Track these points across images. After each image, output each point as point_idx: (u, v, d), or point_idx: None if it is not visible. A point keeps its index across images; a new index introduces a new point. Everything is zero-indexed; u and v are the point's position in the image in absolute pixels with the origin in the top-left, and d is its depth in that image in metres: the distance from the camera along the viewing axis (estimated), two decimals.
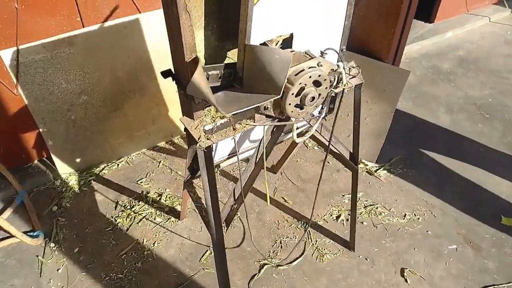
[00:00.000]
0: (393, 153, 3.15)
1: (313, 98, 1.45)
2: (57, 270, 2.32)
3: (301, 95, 1.43)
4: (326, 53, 1.52)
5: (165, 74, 1.49)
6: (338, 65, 1.53)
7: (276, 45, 1.50)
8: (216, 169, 1.85)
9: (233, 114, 1.36)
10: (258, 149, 1.69)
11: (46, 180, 2.81)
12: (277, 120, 1.57)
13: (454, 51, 4.58)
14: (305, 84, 1.41)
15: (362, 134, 2.04)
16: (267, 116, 1.53)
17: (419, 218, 2.70)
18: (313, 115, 1.90)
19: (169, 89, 2.89)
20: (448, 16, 4.95)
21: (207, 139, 1.43)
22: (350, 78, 1.71)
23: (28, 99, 2.43)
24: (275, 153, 2.92)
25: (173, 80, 1.51)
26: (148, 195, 2.75)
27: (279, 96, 1.33)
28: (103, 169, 2.93)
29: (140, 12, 2.52)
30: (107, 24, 2.43)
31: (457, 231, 2.62)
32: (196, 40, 1.43)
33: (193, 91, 1.17)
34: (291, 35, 1.51)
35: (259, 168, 1.70)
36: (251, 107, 1.29)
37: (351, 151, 2.09)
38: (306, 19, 1.51)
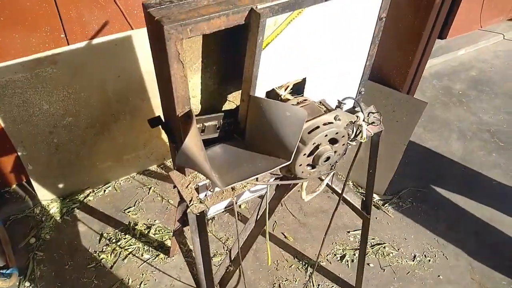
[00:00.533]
0: (402, 184, 2.92)
1: (328, 157, 1.22)
2: None
3: (314, 154, 1.20)
4: (345, 103, 1.29)
5: (153, 122, 1.26)
6: (357, 116, 1.31)
7: (285, 90, 1.27)
8: (211, 220, 1.63)
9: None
10: (260, 205, 1.46)
11: (25, 207, 2.56)
12: (283, 176, 1.34)
13: (467, 70, 4.35)
14: (320, 143, 1.18)
15: None
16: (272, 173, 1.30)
17: (429, 260, 2.48)
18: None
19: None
20: (460, 32, 4.71)
21: (200, 202, 1.20)
22: (368, 125, 1.49)
23: (4, 121, 2.19)
24: None
25: (162, 129, 1.28)
26: (135, 227, 2.51)
27: (290, 162, 1.10)
28: (88, 195, 2.68)
29: (132, 29, 2.27)
30: (95, 41, 2.19)
31: (471, 277, 2.41)
32: (190, 84, 1.20)
33: (184, 162, 0.94)
34: (304, 79, 1.28)
35: (261, 227, 1.47)
36: (254, 177, 1.05)
37: (363, 198, 1.86)
38: (322, 61, 1.27)
